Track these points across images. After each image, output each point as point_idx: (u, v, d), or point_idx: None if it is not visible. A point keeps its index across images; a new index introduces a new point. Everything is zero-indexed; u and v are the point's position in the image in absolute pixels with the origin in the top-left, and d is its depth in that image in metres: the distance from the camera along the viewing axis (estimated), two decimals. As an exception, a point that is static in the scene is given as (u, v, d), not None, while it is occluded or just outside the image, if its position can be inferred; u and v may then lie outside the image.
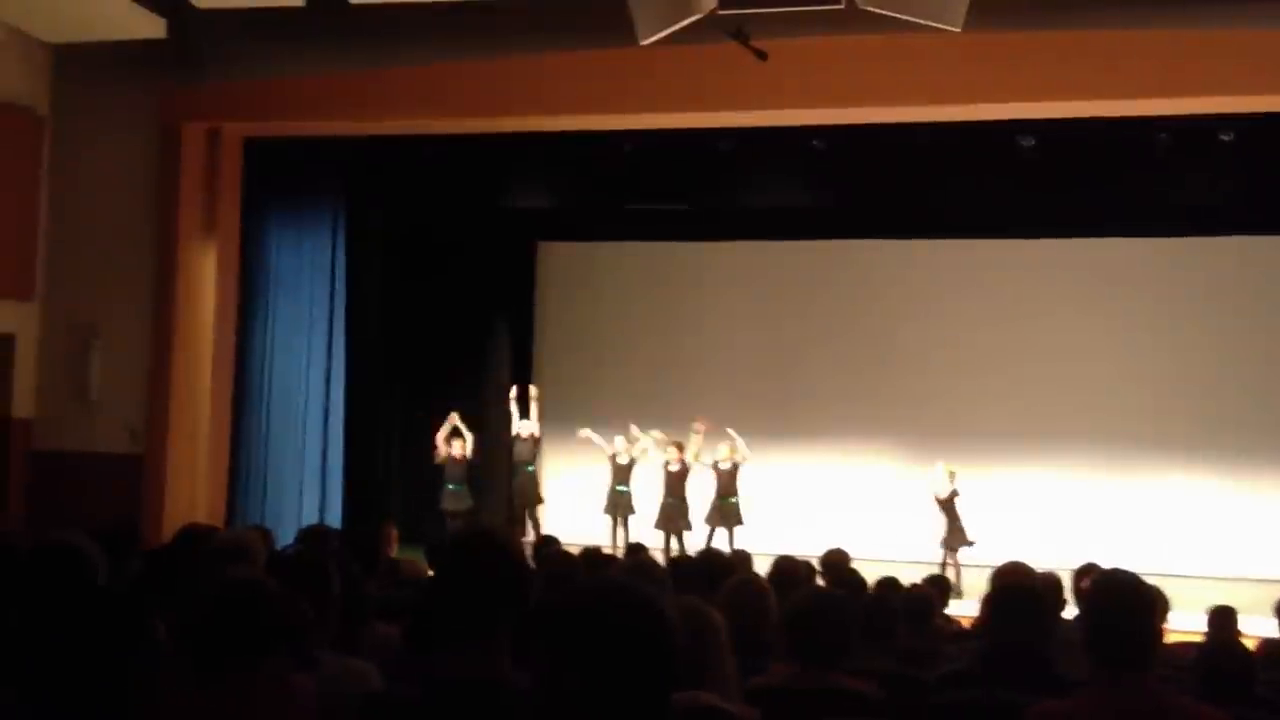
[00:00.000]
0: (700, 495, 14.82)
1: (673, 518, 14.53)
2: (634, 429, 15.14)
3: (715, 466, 14.60)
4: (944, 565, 13.55)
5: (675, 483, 14.65)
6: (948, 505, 14.08)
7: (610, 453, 15.04)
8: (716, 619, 3.75)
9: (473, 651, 3.08)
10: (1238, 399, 15.40)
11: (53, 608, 3.23)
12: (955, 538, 13.94)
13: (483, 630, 3.09)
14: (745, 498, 14.76)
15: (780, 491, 15.74)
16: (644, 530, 14.51)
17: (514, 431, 15.42)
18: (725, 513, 14.40)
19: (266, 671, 3.58)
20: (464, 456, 14.75)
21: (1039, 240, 15.86)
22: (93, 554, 4.37)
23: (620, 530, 14.94)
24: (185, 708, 3.55)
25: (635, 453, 15.04)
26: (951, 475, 14.15)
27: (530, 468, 15.27)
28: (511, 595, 3.12)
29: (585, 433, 15.13)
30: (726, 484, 14.49)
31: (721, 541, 13.99)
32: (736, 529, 14.34)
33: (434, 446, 14.76)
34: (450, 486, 14.75)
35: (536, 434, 15.44)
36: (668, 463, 14.76)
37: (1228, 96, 11.41)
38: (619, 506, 14.97)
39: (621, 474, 15.00)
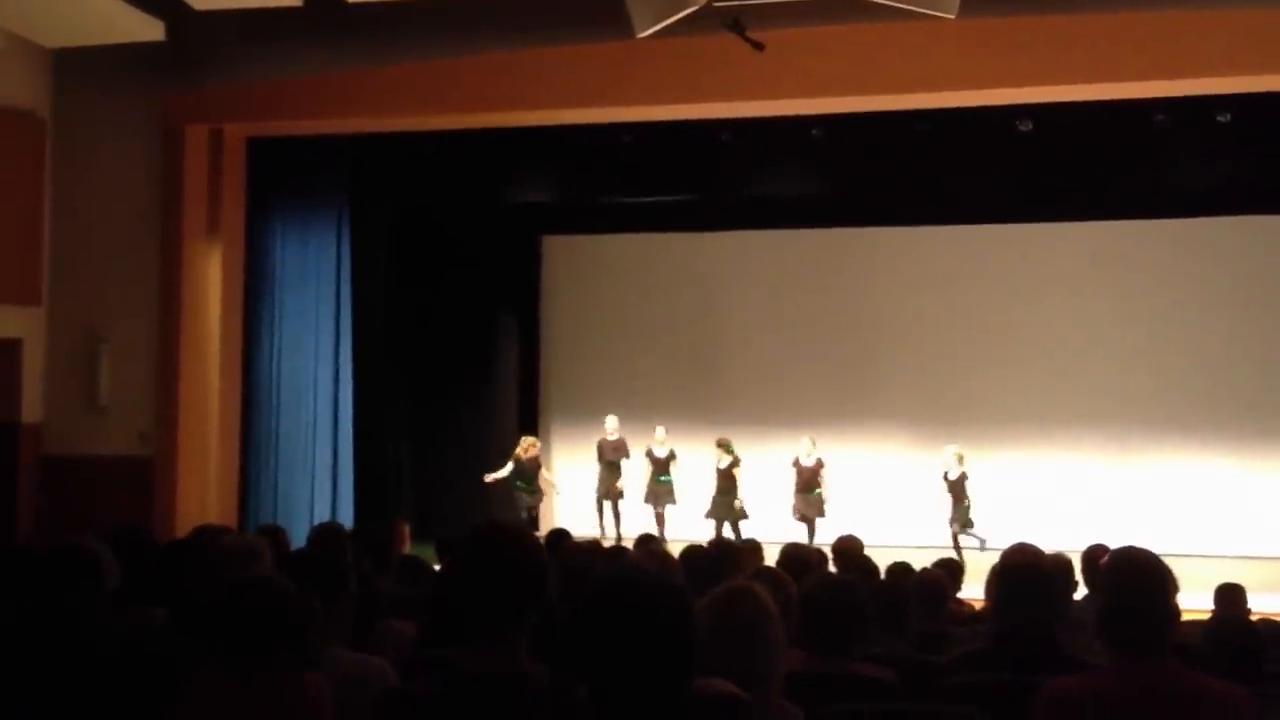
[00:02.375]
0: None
1: (721, 509, 15.13)
2: (660, 431, 15.69)
3: (797, 463, 15.11)
4: (956, 546, 13.93)
5: (726, 479, 15.20)
6: (957, 487, 14.40)
7: (646, 448, 15.63)
8: (764, 599, 3.64)
9: (492, 645, 3.10)
10: (1243, 378, 15.41)
11: (63, 612, 3.27)
12: (962, 517, 14.35)
13: (502, 624, 3.11)
14: (759, 488, 15.27)
15: (790, 480, 15.77)
16: (687, 520, 15.01)
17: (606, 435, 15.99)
18: (810, 505, 14.97)
19: (280, 669, 3.61)
20: (535, 459, 15.49)
21: (1039, 224, 15.86)
22: (105, 559, 4.41)
23: (661, 520, 15.38)
24: (199, 706, 3.58)
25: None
26: (960, 458, 14.51)
27: (615, 463, 15.83)
28: (530, 589, 3.14)
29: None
30: (809, 478, 15.03)
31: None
32: (819, 520, 14.94)
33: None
34: (519, 484, 15.39)
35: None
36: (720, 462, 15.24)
37: (1224, 77, 11.42)
38: (660, 497, 15.50)
39: (661, 466, 15.53)
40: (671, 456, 15.56)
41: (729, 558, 6.45)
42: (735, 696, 3.41)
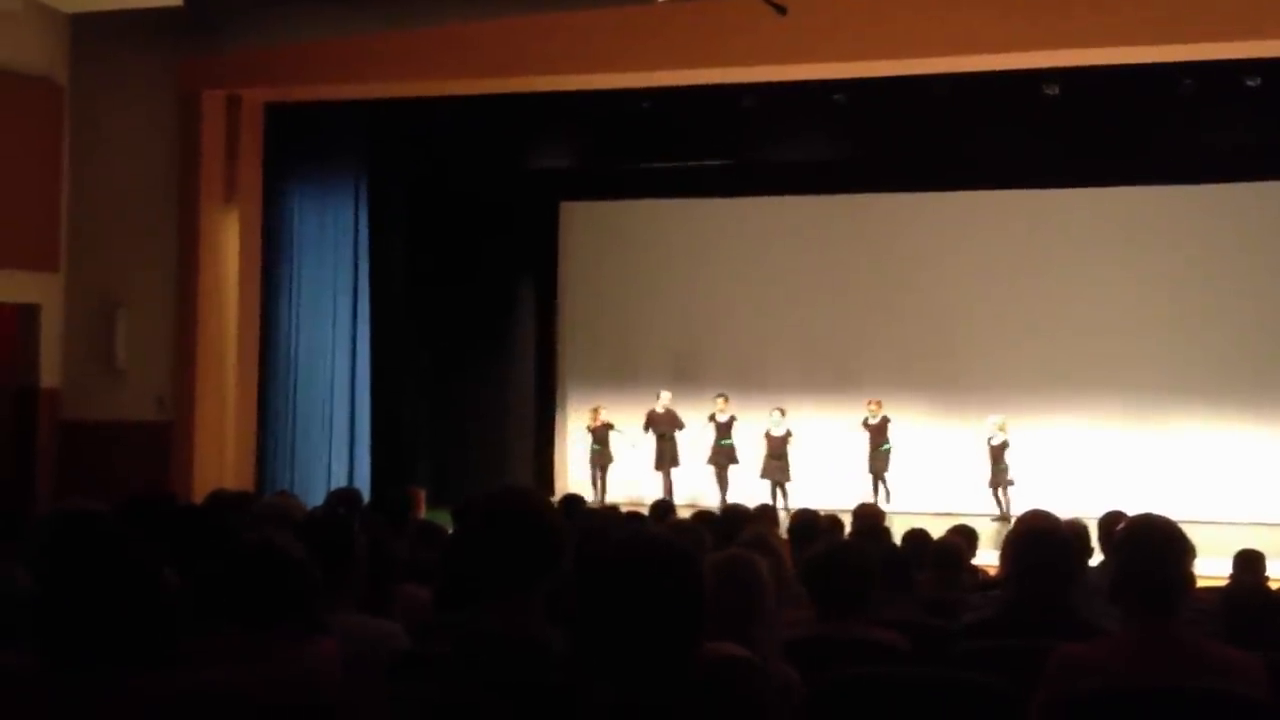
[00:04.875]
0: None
1: (774, 471, 15.84)
2: (720, 400, 16.21)
3: (865, 423, 15.78)
4: (999, 504, 15.10)
5: (777, 445, 15.87)
6: (997, 453, 15.26)
7: (710, 414, 16.22)
8: (761, 569, 3.75)
9: (506, 609, 3.10)
10: (1264, 344, 15.31)
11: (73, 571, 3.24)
12: (1000, 480, 15.23)
13: (516, 588, 3.11)
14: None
15: (807, 447, 15.77)
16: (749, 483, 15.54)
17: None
18: (878, 459, 15.70)
19: (283, 635, 3.59)
20: (606, 423, 16.45)
21: (1064, 190, 15.74)
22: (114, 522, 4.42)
23: (723, 480, 16.09)
24: (203, 670, 3.56)
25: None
26: (1002, 427, 15.32)
27: (668, 436, 16.31)
28: (544, 554, 3.14)
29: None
30: (877, 436, 15.76)
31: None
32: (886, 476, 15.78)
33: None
34: (596, 446, 16.45)
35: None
36: (769, 429, 15.88)
37: (1253, 41, 11.29)
38: (721, 458, 16.11)
39: (723, 431, 16.14)
40: (733, 420, 16.12)
41: (740, 522, 6.44)
42: (747, 659, 3.40)
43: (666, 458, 16.18)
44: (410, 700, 3.41)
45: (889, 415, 15.72)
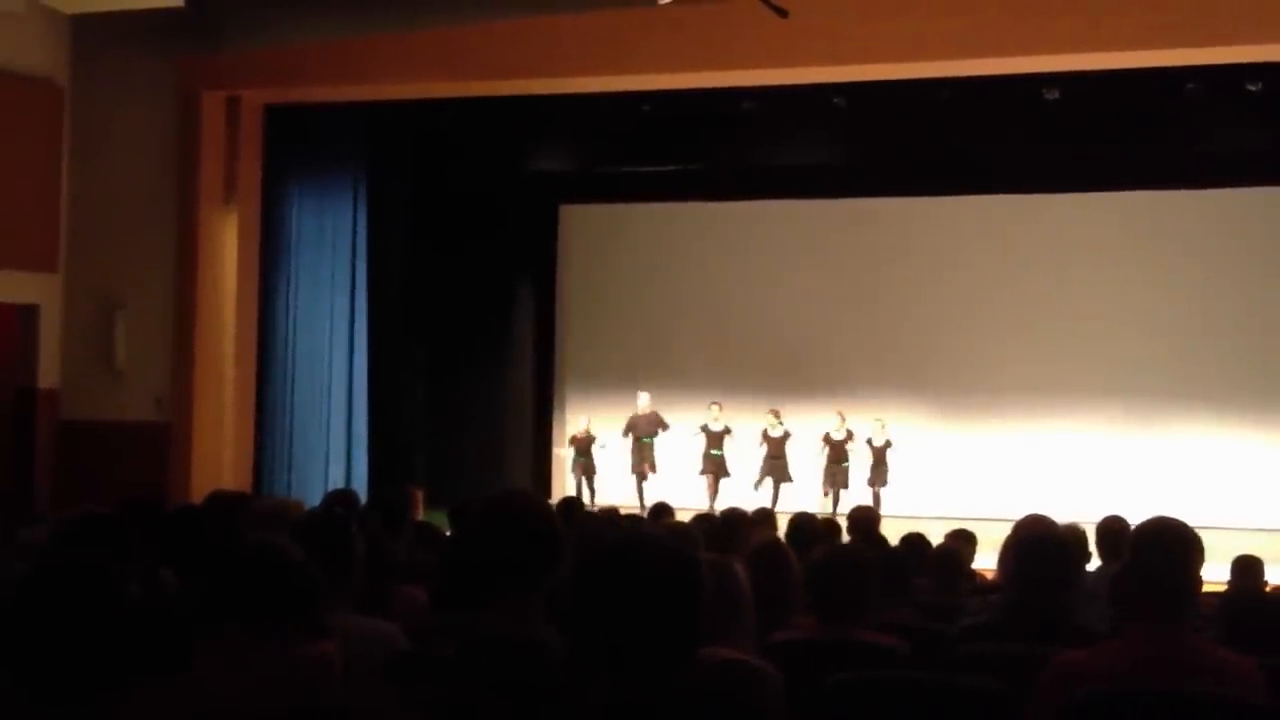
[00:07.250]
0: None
1: (774, 470, 15.76)
2: (715, 408, 15.96)
3: (827, 438, 15.59)
4: (875, 502, 14.77)
5: (776, 446, 15.77)
6: (880, 453, 15.39)
7: (701, 424, 15.94)
8: (738, 572, 3.78)
9: (504, 610, 3.10)
10: (1266, 350, 15.30)
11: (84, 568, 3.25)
12: (881, 480, 15.33)
13: (514, 590, 3.11)
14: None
15: (809, 451, 15.75)
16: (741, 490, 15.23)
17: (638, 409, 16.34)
18: (836, 475, 15.52)
19: (287, 636, 3.59)
20: (587, 435, 16.16)
21: (1065, 194, 15.72)
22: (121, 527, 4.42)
23: (713, 489, 15.87)
24: (202, 674, 3.57)
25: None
26: (882, 426, 15.44)
27: (647, 439, 16.09)
28: (542, 555, 3.14)
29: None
30: (837, 453, 15.54)
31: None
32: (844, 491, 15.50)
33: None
34: (579, 457, 16.20)
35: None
36: (767, 430, 15.78)
37: (1255, 45, 11.27)
38: (713, 469, 15.90)
39: (715, 440, 15.88)
40: (726, 431, 15.88)
41: (740, 526, 6.44)
42: (747, 662, 3.40)
43: (645, 462, 15.91)
44: (410, 701, 3.41)
45: (853, 429, 15.50)
